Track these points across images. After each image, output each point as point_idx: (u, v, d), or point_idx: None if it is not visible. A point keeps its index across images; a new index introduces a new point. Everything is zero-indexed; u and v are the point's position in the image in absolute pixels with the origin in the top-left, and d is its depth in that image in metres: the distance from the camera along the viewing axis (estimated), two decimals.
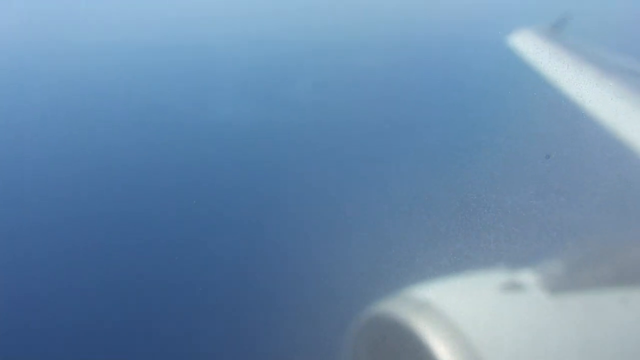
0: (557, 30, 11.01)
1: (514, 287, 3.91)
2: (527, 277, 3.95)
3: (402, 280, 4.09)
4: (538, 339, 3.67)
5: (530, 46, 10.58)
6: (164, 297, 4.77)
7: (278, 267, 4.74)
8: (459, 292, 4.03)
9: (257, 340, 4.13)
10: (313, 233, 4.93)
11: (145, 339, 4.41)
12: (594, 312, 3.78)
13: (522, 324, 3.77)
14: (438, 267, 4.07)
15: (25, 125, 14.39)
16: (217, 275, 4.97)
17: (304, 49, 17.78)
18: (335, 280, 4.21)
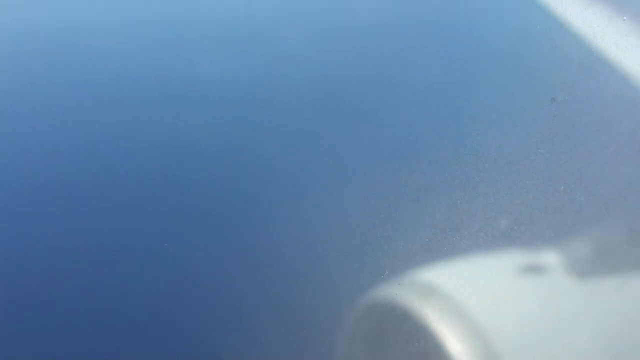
0: None
1: (535, 269, 3.45)
2: (550, 257, 3.47)
3: (406, 263, 3.65)
4: (562, 328, 3.23)
5: None
6: (159, 293, 4.47)
7: (272, 249, 4.39)
8: (470, 275, 3.59)
9: (252, 330, 3.80)
10: (308, 206, 4.49)
11: (141, 337, 4.13)
12: (628, 299, 3.30)
13: (544, 312, 3.33)
14: (443, 242, 3.61)
15: None
16: (209, 257, 4.66)
17: None
18: (332, 263, 3.80)
